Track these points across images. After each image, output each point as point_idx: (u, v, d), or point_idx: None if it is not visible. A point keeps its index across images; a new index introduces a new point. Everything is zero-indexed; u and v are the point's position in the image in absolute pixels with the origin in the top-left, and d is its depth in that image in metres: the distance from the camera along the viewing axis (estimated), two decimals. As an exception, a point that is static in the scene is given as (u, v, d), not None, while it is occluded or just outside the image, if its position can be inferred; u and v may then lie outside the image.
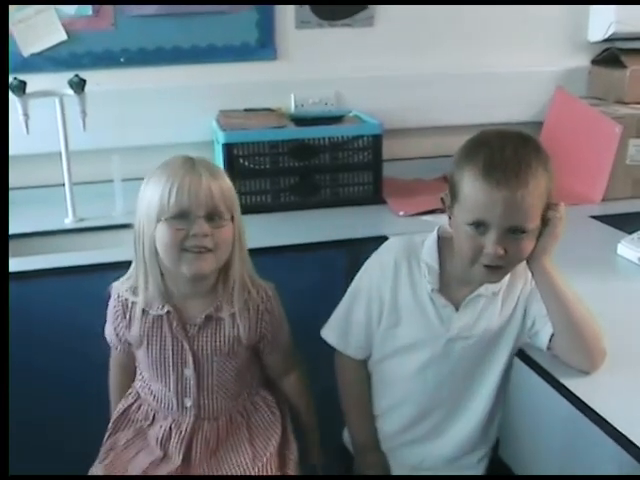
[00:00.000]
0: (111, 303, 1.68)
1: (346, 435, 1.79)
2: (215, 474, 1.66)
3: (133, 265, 1.63)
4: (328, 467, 1.83)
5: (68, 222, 2.37)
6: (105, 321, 1.71)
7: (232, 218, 1.58)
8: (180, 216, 1.51)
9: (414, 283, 1.57)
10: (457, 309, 1.55)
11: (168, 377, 1.65)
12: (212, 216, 1.54)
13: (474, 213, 1.40)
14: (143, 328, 1.63)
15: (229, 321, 1.63)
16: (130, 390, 1.77)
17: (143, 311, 1.62)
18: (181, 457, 1.65)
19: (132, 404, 1.74)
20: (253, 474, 1.65)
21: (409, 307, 1.58)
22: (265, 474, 1.65)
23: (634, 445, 1.19)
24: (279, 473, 1.68)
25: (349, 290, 1.68)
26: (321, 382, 1.74)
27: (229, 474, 1.65)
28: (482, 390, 1.61)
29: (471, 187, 1.40)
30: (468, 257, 1.44)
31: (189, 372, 1.64)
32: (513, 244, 1.40)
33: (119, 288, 1.66)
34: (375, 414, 1.71)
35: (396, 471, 1.70)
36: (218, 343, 1.63)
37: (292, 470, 1.71)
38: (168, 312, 1.60)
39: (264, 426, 1.73)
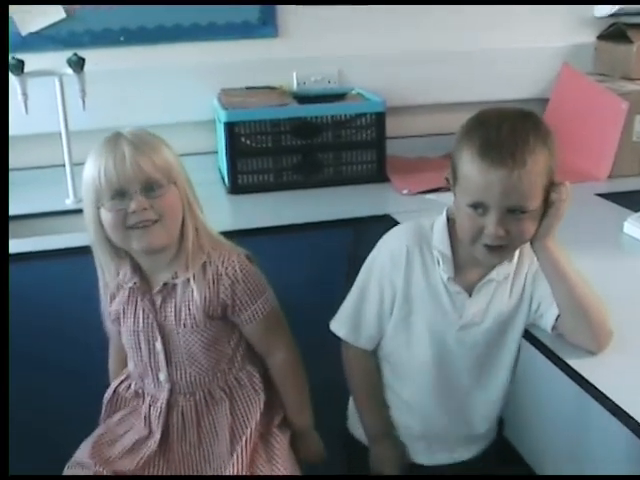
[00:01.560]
0: (99, 283, 1.69)
1: (351, 423, 1.77)
2: (195, 450, 1.67)
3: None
4: (331, 461, 1.81)
5: (69, 203, 2.36)
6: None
7: (175, 184, 1.57)
8: (116, 196, 1.52)
9: (427, 271, 1.55)
10: (470, 295, 1.53)
11: (141, 351, 1.67)
12: (148, 188, 1.53)
13: (472, 194, 1.38)
14: (120, 303, 1.65)
15: (183, 287, 1.61)
16: (124, 370, 1.78)
17: (118, 286, 1.64)
18: (159, 432, 1.66)
19: (122, 382, 1.76)
20: (233, 453, 1.64)
21: (422, 295, 1.56)
22: (245, 453, 1.64)
23: (639, 424, 1.18)
24: (261, 452, 1.67)
25: (358, 282, 1.64)
26: (326, 367, 1.70)
27: (209, 450, 1.67)
28: (496, 378, 1.60)
29: (468, 168, 1.38)
30: (469, 237, 1.43)
31: (159, 345, 1.64)
32: (514, 224, 1.38)
33: (104, 268, 1.66)
34: (389, 406, 1.69)
35: (411, 454, 1.70)
36: (178, 312, 1.62)
37: (278, 443, 1.69)
38: (135, 283, 1.61)
39: (246, 403, 1.70)
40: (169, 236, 1.58)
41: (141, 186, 1.52)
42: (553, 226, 1.41)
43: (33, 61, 2.21)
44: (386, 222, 1.68)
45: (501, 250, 1.43)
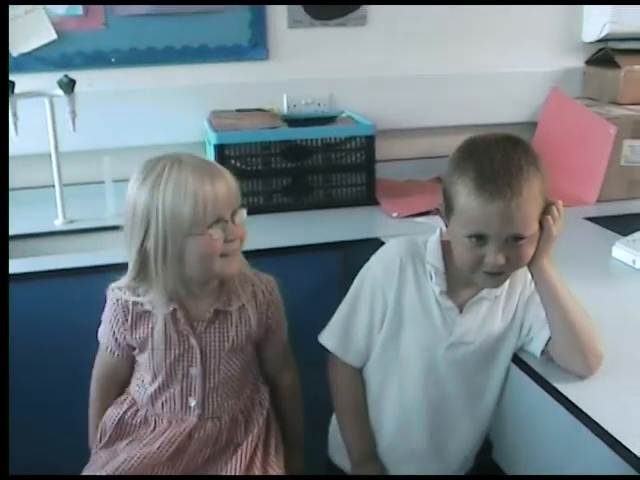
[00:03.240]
0: (109, 307, 1.64)
1: (331, 448, 1.76)
2: (200, 467, 1.66)
3: (134, 268, 1.58)
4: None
5: (58, 224, 2.36)
6: (97, 325, 1.68)
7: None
8: (214, 224, 1.51)
9: (420, 285, 1.55)
10: (461, 311, 1.53)
11: (173, 377, 1.63)
12: (234, 214, 1.55)
13: (471, 227, 1.39)
14: (147, 329, 1.61)
15: (237, 314, 1.63)
16: (124, 397, 1.72)
17: (148, 312, 1.60)
18: (169, 454, 1.63)
19: (127, 410, 1.69)
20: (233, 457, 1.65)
21: (414, 309, 1.56)
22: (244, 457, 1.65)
23: (627, 450, 1.18)
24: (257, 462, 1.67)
25: (349, 294, 1.64)
26: (314, 389, 1.71)
27: (214, 466, 1.66)
28: (483, 402, 1.59)
29: (465, 201, 1.38)
30: (468, 266, 1.43)
31: (195, 370, 1.62)
32: (513, 251, 1.39)
33: (118, 292, 1.62)
34: (373, 428, 1.67)
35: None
36: (227, 338, 1.63)
37: (275, 457, 1.71)
38: (174, 310, 1.59)
39: (256, 420, 1.71)
40: (240, 262, 1.61)
41: (231, 213, 1.54)
42: (548, 246, 1.42)
43: (24, 82, 2.21)
44: (376, 245, 1.68)
45: (501, 276, 1.45)
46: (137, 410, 1.69)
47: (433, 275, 1.53)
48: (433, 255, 1.55)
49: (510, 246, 1.39)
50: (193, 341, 1.61)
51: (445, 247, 1.54)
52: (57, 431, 2.00)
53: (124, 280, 1.61)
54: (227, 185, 1.53)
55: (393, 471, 1.67)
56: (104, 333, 1.68)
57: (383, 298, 1.58)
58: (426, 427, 1.61)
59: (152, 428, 1.66)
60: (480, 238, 1.39)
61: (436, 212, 1.52)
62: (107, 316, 1.65)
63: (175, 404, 1.65)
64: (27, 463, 1.87)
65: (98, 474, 1.63)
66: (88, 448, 1.73)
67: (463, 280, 1.52)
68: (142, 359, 1.66)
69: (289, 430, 1.81)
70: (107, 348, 1.68)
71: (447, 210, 1.45)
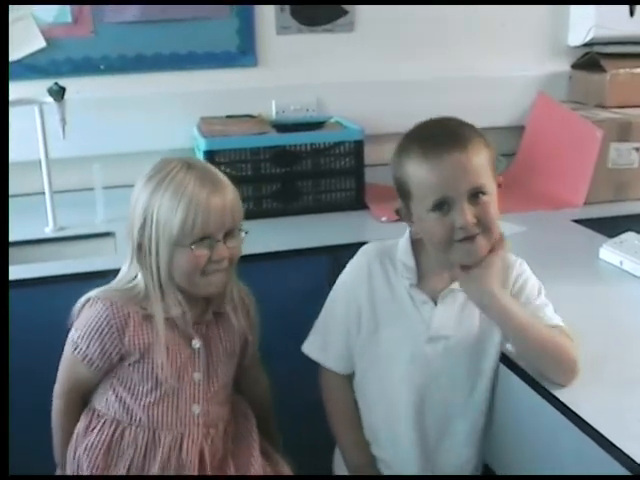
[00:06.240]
0: (98, 314, 1.54)
1: (336, 461, 1.74)
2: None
3: (128, 273, 1.56)
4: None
5: (48, 231, 2.36)
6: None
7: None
8: (200, 240, 1.48)
9: (390, 283, 1.56)
10: (436, 304, 1.53)
11: (176, 384, 1.57)
12: (228, 234, 1.53)
13: (432, 195, 1.40)
14: (151, 334, 1.54)
15: (232, 315, 1.61)
16: (98, 420, 1.59)
17: (150, 316, 1.53)
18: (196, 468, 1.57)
19: (113, 433, 1.57)
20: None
21: (388, 308, 1.56)
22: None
23: (620, 450, 1.19)
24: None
25: (326, 302, 1.66)
26: (309, 392, 1.71)
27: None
28: (474, 399, 1.56)
29: (418, 173, 1.40)
30: (443, 240, 1.42)
31: (198, 376, 1.59)
32: (479, 210, 1.39)
33: (114, 294, 1.55)
34: (369, 436, 1.65)
35: None
36: (224, 340, 1.62)
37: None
38: (184, 313, 1.55)
39: (243, 432, 1.69)
40: (229, 278, 1.58)
41: (225, 233, 1.51)
42: (492, 271, 1.42)
43: (13, 90, 2.20)
44: (364, 250, 1.70)
45: (477, 241, 1.41)
46: (123, 432, 1.57)
47: (403, 270, 1.54)
48: (402, 251, 1.56)
49: (475, 204, 1.39)
50: (198, 344, 1.58)
51: (414, 243, 1.55)
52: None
53: (118, 283, 1.57)
54: (224, 202, 1.50)
55: None
56: (84, 342, 1.55)
57: (356, 301, 1.59)
58: (414, 429, 1.58)
59: (146, 448, 1.57)
60: (443, 204, 1.39)
61: (398, 217, 1.54)
62: (92, 323, 1.54)
63: (178, 412, 1.58)
64: (26, 469, 1.86)
65: None
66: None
67: (434, 273, 1.53)
68: (138, 368, 1.56)
69: (272, 431, 1.79)
70: (85, 359, 1.56)
71: (406, 200, 1.47)
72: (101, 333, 1.54)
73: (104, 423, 1.58)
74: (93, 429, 1.59)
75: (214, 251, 1.50)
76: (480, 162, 1.40)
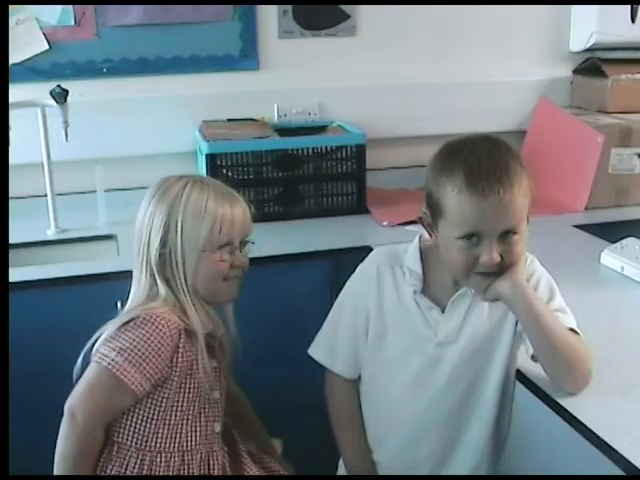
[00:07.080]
0: (158, 334, 1.45)
1: (340, 469, 1.72)
2: None
3: (144, 291, 1.53)
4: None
5: (50, 233, 2.36)
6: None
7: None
8: (223, 246, 1.53)
9: (399, 289, 1.56)
10: (443, 311, 1.53)
11: (202, 405, 1.55)
12: (243, 243, 1.58)
13: (464, 226, 1.38)
14: (194, 352, 1.51)
15: (226, 330, 1.61)
16: (118, 452, 1.51)
17: (193, 333, 1.50)
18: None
19: (141, 464, 1.51)
20: None
21: (395, 314, 1.56)
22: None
23: (615, 450, 1.19)
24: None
25: (334, 306, 1.66)
26: (306, 398, 1.71)
27: None
28: (482, 404, 1.55)
29: (456, 201, 1.37)
30: (462, 270, 1.42)
31: (217, 394, 1.58)
32: (507, 248, 1.38)
33: (168, 314, 1.49)
34: (373, 442, 1.64)
35: None
36: (227, 356, 1.62)
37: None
38: (215, 330, 1.56)
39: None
40: (238, 291, 1.61)
41: (241, 240, 1.57)
42: (521, 261, 1.42)
43: (16, 92, 2.21)
44: (366, 254, 1.69)
45: (495, 276, 1.41)
46: (142, 460, 1.50)
47: (409, 276, 1.54)
48: (411, 258, 1.56)
49: (503, 243, 1.38)
50: (215, 362, 1.57)
51: (424, 251, 1.55)
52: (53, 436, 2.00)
53: (159, 302, 1.51)
54: (244, 212, 1.57)
55: None
56: (134, 367, 1.43)
57: (364, 306, 1.59)
58: (421, 436, 1.57)
59: (177, 469, 1.52)
60: (474, 237, 1.38)
61: (419, 221, 1.53)
62: (146, 345, 1.44)
63: (201, 432, 1.54)
64: (26, 469, 1.86)
65: None
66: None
67: (442, 281, 1.52)
68: (169, 391, 1.49)
69: (260, 430, 1.79)
70: (133, 383, 1.43)
71: (435, 216, 1.45)
72: (160, 354, 1.46)
73: (128, 454, 1.50)
74: (115, 463, 1.50)
75: (235, 257, 1.55)
76: (521, 202, 1.38)
